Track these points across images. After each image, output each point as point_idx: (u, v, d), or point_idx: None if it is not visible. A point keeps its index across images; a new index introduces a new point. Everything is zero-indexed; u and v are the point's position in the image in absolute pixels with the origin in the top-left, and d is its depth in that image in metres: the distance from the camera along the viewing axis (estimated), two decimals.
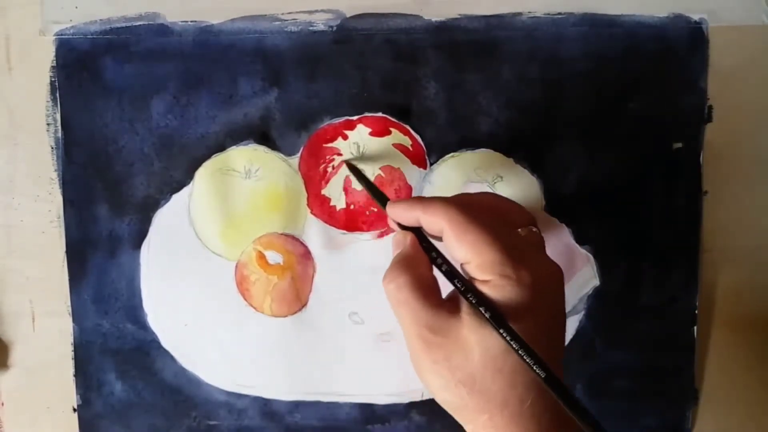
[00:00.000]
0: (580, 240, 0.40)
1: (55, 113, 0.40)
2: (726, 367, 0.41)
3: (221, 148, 0.39)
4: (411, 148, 0.39)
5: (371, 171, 0.39)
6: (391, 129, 0.39)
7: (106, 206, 0.40)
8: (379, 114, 0.39)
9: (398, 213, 0.31)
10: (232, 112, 0.39)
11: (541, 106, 0.39)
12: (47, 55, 0.39)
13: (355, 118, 0.39)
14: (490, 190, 0.39)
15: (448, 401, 0.29)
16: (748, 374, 0.41)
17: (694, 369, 0.41)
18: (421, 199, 0.31)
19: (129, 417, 0.41)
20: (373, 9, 0.39)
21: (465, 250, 0.28)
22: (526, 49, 0.39)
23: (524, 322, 0.27)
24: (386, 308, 0.40)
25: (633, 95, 0.39)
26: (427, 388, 0.29)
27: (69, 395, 0.41)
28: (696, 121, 0.39)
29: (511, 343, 0.26)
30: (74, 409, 0.41)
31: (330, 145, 0.39)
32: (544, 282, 0.29)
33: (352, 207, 0.40)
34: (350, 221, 0.40)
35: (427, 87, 0.39)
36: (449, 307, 0.29)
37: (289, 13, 0.39)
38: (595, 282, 0.40)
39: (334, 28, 0.39)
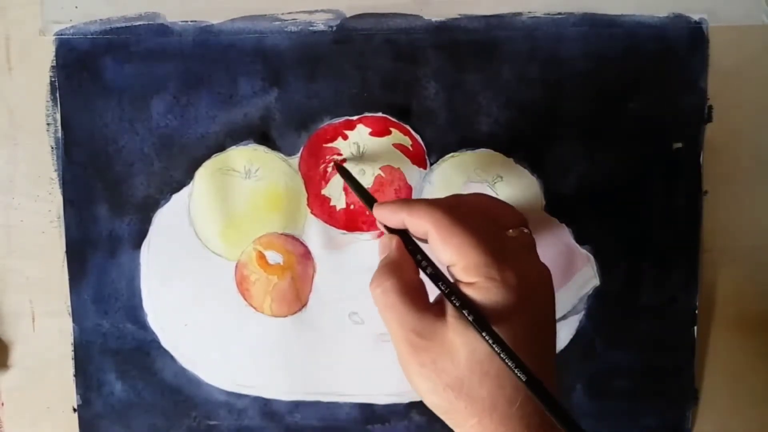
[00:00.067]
0: (580, 240, 0.40)
1: (55, 113, 0.40)
2: (726, 367, 0.41)
3: (221, 148, 0.39)
4: (411, 148, 0.39)
5: (371, 171, 0.39)
6: (391, 129, 0.39)
7: (106, 206, 0.40)
8: (379, 114, 0.39)
9: (384, 215, 0.31)
10: (232, 112, 0.39)
11: (541, 106, 0.39)
12: (47, 55, 0.39)
13: (355, 118, 0.39)
14: (490, 190, 0.39)
15: (436, 405, 0.29)
16: (748, 374, 0.41)
17: (694, 369, 0.41)
18: (407, 201, 0.31)
19: (129, 417, 0.41)
20: (373, 9, 0.39)
21: (450, 252, 0.28)
22: (526, 49, 0.39)
23: (510, 324, 0.27)
24: None
25: (633, 95, 0.39)
26: (416, 392, 0.29)
27: (69, 395, 0.41)
28: (696, 121, 0.39)
29: (494, 346, 0.26)
30: (74, 409, 0.41)
31: (330, 145, 0.39)
32: (531, 283, 0.29)
33: (352, 207, 0.40)
34: (350, 221, 0.40)
35: (427, 87, 0.39)
36: (435, 310, 0.29)
37: (289, 13, 0.39)
38: (595, 282, 0.40)
39: (334, 28, 0.39)
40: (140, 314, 0.40)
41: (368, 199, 0.34)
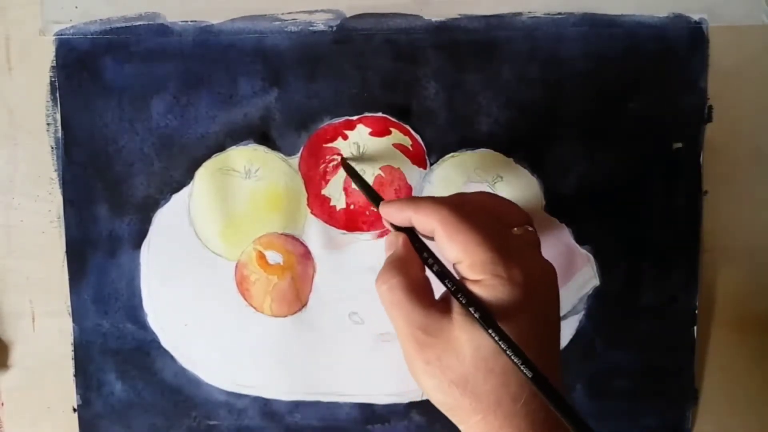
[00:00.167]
0: (580, 240, 0.40)
1: (55, 113, 0.40)
2: (726, 367, 0.41)
3: (221, 148, 0.39)
4: (411, 148, 0.39)
5: (371, 171, 0.39)
6: (391, 129, 0.39)
7: (106, 206, 0.40)
8: (379, 114, 0.39)
9: (391, 213, 0.31)
10: (232, 112, 0.39)
11: (541, 106, 0.39)
12: (47, 55, 0.39)
13: (355, 118, 0.39)
14: (490, 190, 0.39)
15: (441, 402, 0.29)
16: (748, 374, 0.41)
17: (694, 369, 0.41)
18: (414, 199, 0.31)
19: (129, 417, 0.41)
20: (373, 9, 0.39)
21: (456, 249, 0.28)
22: (526, 49, 0.39)
23: (516, 321, 0.27)
24: None
25: (633, 95, 0.39)
26: (421, 389, 0.30)
27: (69, 395, 0.41)
28: (696, 121, 0.39)
29: (500, 342, 0.26)
30: (74, 409, 0.41)
31: (330, 145, 0.39)
32: (537, 281, 0.29)
33: (352, 207, 0.40)
34: (350, 221, 0.40)
35: (427, 87, 0.39)
36: (441, 307, 0.29)
37: (289, 13, 0.39)
38: (595, 282, 0.40)
39: (334, 28, 0.39)
40: (140, 314, 0.40)
41: (374, 197, 0.34)
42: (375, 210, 0.39)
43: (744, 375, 0.41)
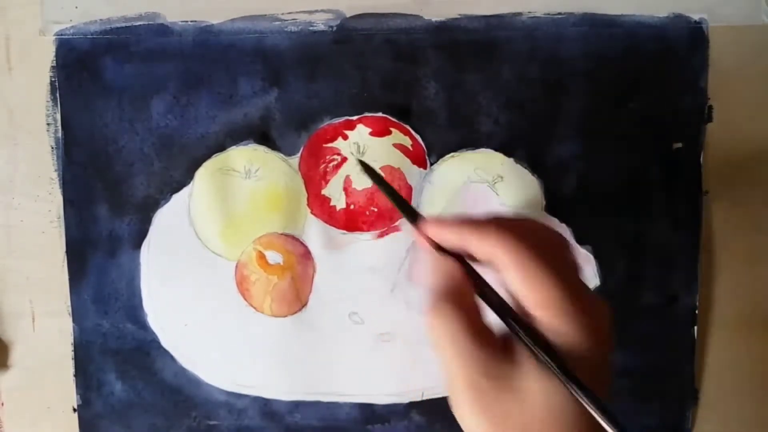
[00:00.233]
0: (580, 240, 0.40)
1: (55, 113, 0.40)
2: (726, 367, 0.41)
3: (221, 148, 0.39)
4: (411, 148, 0.39)
5: None
6: (392, 129, 0.39)
7: (106, 206, 0.40)
8: (379, 114, 0.39)
9: (442, 234, 0.27)
10: (232, 112, 0.39)
11: (541, 106, 0.39)
12: (47, 55, 0.39)
13: (355, 118, 0.39)
14: (491, 190, 0.39)
15: None
16: (748, 374, 0.41)
17: (694, 369, 0.41)
18: (471, 221, 0.27)
19: (129, 417, 0.41)
20: (373, 9, 0.39)
21: (526, 284, 0.25)
22: (526, 49, 0.39)
23: (583, 366, 0.24)
24: (386, 308, 0.40)
25: (633, 95, 0.39)
26: (464, 428, 0.26)
27: (69, 395, 0.41)
28: (696, 121, 0.39)
29: (580, 395, 0.24)
30: (74, 409, 0.41)
31: (330, 145, 0.39)
32: (601, 322, 0.26)
33: (352, 207, 0.40)
34: (350, 221, 0.40)
35: (427, 87, 0.39)
36: (503, 347, 0.26)
37: (289, 13, 0.39)
38: (595, 282, 0.40)
39: (334, 28, 0.39)
40: (140, 314, 0.40)
41: (410, 212, 0.30)
42: (378, 210, 0.39)
43: (744, 375, 0.41)
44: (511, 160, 0.39)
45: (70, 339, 0.41)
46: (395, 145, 0.39)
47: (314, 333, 0.40)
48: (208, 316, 0.40)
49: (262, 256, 0.40)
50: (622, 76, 0.39)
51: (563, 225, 0.40)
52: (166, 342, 0.41)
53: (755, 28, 0.39)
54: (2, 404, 0.42)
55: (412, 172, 0.39)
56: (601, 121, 0.39)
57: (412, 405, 0.41)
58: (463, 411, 0.26)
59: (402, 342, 0.40)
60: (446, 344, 0.25)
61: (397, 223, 0.40)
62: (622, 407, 0.41)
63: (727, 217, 0.40)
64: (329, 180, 0.40)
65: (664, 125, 0.39)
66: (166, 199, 0.40)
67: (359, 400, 0.41)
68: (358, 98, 0.39)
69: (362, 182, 0.39)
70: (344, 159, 0.39)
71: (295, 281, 0.40)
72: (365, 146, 0.39)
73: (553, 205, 0.40)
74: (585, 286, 0.27)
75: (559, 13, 0.39)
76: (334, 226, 0.40)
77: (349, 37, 0.39)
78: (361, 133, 0.39)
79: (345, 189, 0.40)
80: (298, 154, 0.40)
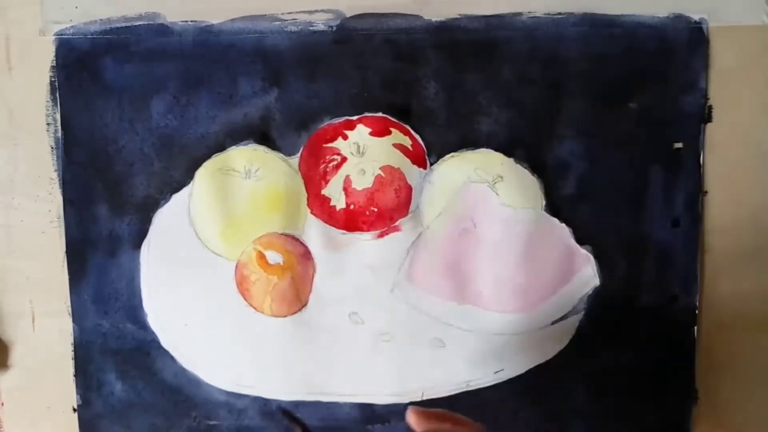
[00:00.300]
0: (580, 240, 0.40)
1: (55, 113, 0.40)
2: (726, 367, 0.41)
3: (221, 148, 0.39)
4: (411, 148, 0.39)
5: (371, 171, 0.39)
6: (391, 129, 0.39)
7: (106, 206, 0.40)
8: (379, 114, 0.39)
9: None
10: (232, 112, 0.39)
11: (541, 106, 0.39)
12: (47, 55, 0.39)
13: (355, 118, 0.39)
14: (491, 190, 0.39)
15: None
16: (748, 374, 0.41)
17: (694, 369, 0.41)
18: None
19: (129, 417, 0.41)
20: (373, 9, 0.39)
21: None
22: (526, 49, 0.39)
23: None
24: (386, 308, 0.40)
25: (633, 95, 0.39)
26: None
27: (69, 395, 0.41)
28: (696, 121, 0.39)
29: None
30: (74, 409, 0.41)
31: (330, 145, 0.39)
32: None
33: (352, 207, 0.40)
34: (350, 221, 0.40)
35: (427, 87, 0.39)
36: None
37: (289, 13, 0.39)
38: (595, 282, 0.40)
39: (334, 28, 0.39)
40: (140, 314, 0.40)
41: None
42: (378, 209, 0.39)
43: (744, 375, 0.41)
44: (511, 160, 0.39)
45: (70, 339, 0.41)
46: (395, 145, 0.39)
47: (314, 333, 0.40)
48: (208, 316, 0.40)
49: (262, 256, 0.40)
50: (622, 77, 0.39)
51: (563, 225, 0.40)
52: (166, 342, 0.41)
53: (755, 28, 0.39)
54: (2, 404, 0.42)
55: (412, 172, 0.39)
56: (601, 121, 0.39)
57: (412, 405, 0.41)
58: None
59: (402, 342, 0.40)
60: None
61: (397, 223, 0.40)
62: (622, 407, 0.41)
63: (727, 217, 0.40)
64: (329, 180, 0.40)
65: (664, 125, 0.39)
66: (166, 199, 0.40)
67: (359, 400, 0.41)
68: (358, 98, 0.39)
69: (362, 182, 0.39)
70: (344, 159, 0.39)
71: (295, 281, 0.40)
72: (365, 146, 0.39)
73: (553, 205, 0.40)
74: None
75: (559, 13, 0.39)
76: (334, 226, 0.40)
77: (349, 37, 0.39)
78: (361, 133, 0.39)
79: (345, 189, 0.40)
80: (298, 154, 0.40)
